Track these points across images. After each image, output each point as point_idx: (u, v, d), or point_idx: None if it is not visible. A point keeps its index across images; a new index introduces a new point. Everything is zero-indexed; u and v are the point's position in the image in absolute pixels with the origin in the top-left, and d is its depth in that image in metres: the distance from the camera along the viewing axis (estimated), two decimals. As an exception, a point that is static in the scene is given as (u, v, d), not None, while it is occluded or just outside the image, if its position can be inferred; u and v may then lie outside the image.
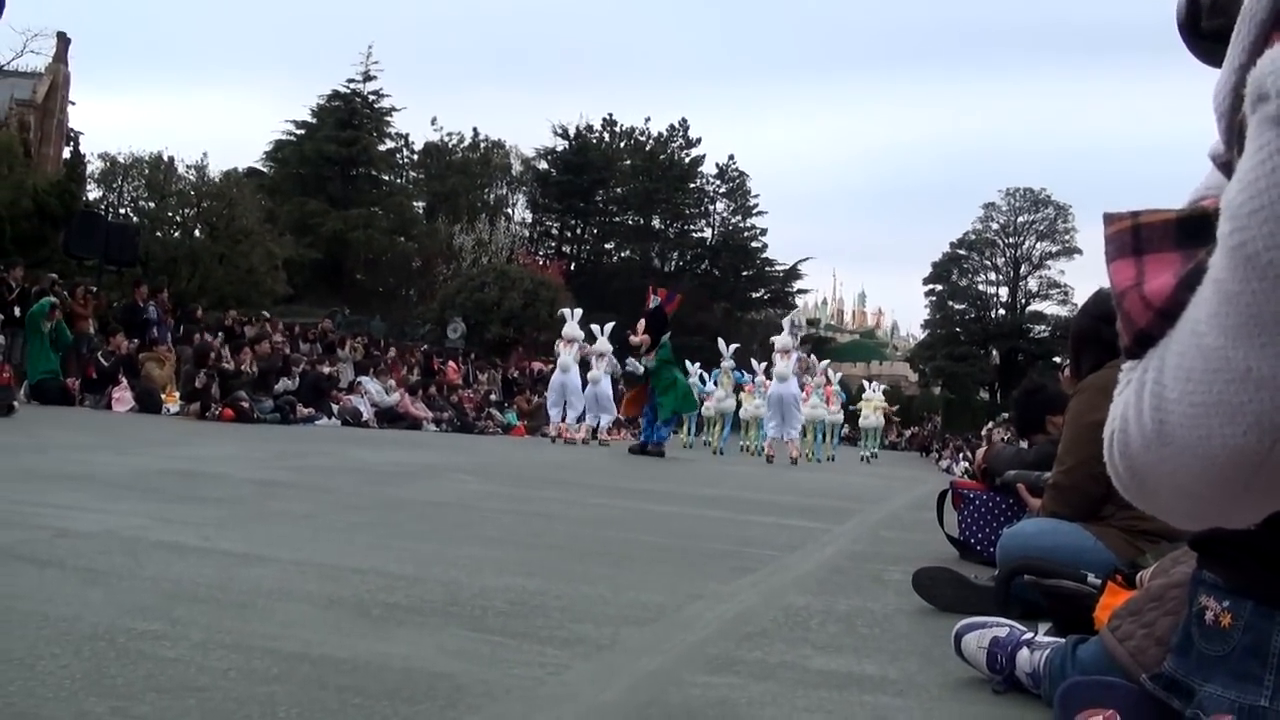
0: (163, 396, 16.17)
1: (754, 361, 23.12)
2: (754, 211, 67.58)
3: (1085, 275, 63.79)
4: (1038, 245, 66.13)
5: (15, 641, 2.11)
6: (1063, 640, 2.40)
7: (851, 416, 31.69)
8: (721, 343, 23.51)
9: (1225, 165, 0.79)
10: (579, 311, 19.47)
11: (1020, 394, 6.16)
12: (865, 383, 31.04)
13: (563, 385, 18.81)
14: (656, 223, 67.66)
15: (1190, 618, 1.78)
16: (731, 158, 67.56)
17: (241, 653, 2.17)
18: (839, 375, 27.79)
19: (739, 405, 24.09)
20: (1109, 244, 0.84)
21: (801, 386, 19.68)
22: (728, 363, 23.47)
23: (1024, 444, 5.72)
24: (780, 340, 18.48)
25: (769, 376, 19.25)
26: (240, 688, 1.94)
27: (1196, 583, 1.78)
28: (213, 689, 1.91)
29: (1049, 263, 65.98)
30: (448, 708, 1.93)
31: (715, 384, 24.13)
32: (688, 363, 25.00)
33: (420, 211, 55.14)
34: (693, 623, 3.01)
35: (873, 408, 28.46)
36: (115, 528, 3.78)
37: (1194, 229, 0.79)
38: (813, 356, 24.26)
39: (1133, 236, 0.82)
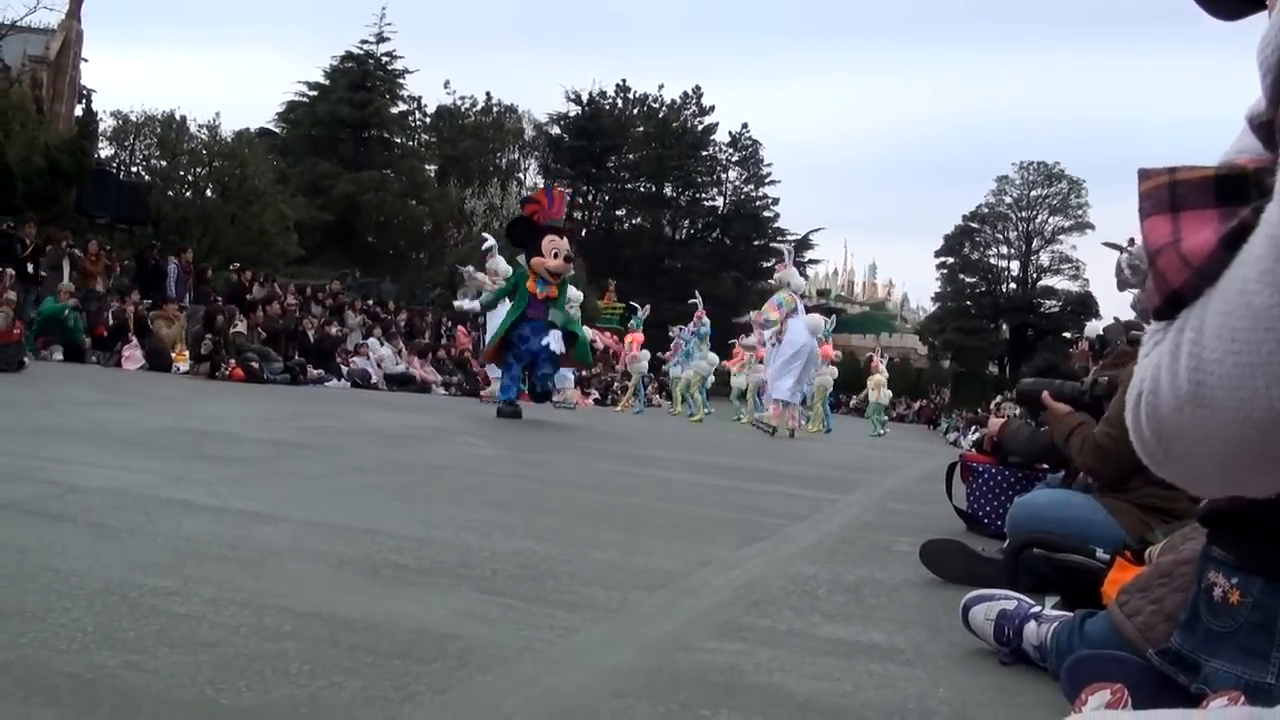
0: (173, 355, 16.21)
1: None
2: (766, 180, 67.48)
3: (1098, 251, 63.47)
4: (1050, 219, 65.89)
5: (28, 595, 2.12)
6: (1070, 614, 2.41)
7: (857, 387, 31.39)
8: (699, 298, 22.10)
9: (1264, 125, 0.77)
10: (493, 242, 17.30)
11: (1031, 374, 6.13)
12: (875, 356, 30.42)
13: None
14: (668, 190, 67.57)
15: (1198, 594, 1.78)
16: (745, 126, 67.47)
17: (253, 610, 2.18)
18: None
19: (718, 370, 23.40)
20: (1144, 200, 0.81)
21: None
22: (704, 326, 21.88)
23: (1029, 422, 5.69)
24: (797, 280, 16.40)
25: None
26: (252, 644, 1.95)
27: (1205, 559, 1.77)
28: (224, 645, 1.92)
29: (1061, 237, 65.79)
30: (458, 668, 1.94)
31: (685, 342, 22.48)
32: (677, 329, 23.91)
33: (432, 175, 54.99)
34: (701, 589, 3.02)
35: (875, 383, 27.92)
36: (127, 484, 3.80)
37: (1234, 186, 0.77)
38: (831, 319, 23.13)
39: (1169, 193, 0.80)
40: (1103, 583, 2.68)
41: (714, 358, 22.57)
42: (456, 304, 17.77)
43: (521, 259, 12.10)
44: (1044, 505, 3.90)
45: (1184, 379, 0.75)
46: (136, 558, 2.59)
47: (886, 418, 28.88)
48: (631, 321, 24.23)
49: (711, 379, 22.83)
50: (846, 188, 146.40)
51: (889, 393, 28.67)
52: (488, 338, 15.42)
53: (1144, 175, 0.82)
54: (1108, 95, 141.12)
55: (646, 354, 23.23)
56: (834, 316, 24.87)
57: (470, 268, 17.64)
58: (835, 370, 23.82)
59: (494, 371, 16.24)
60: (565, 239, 11.84)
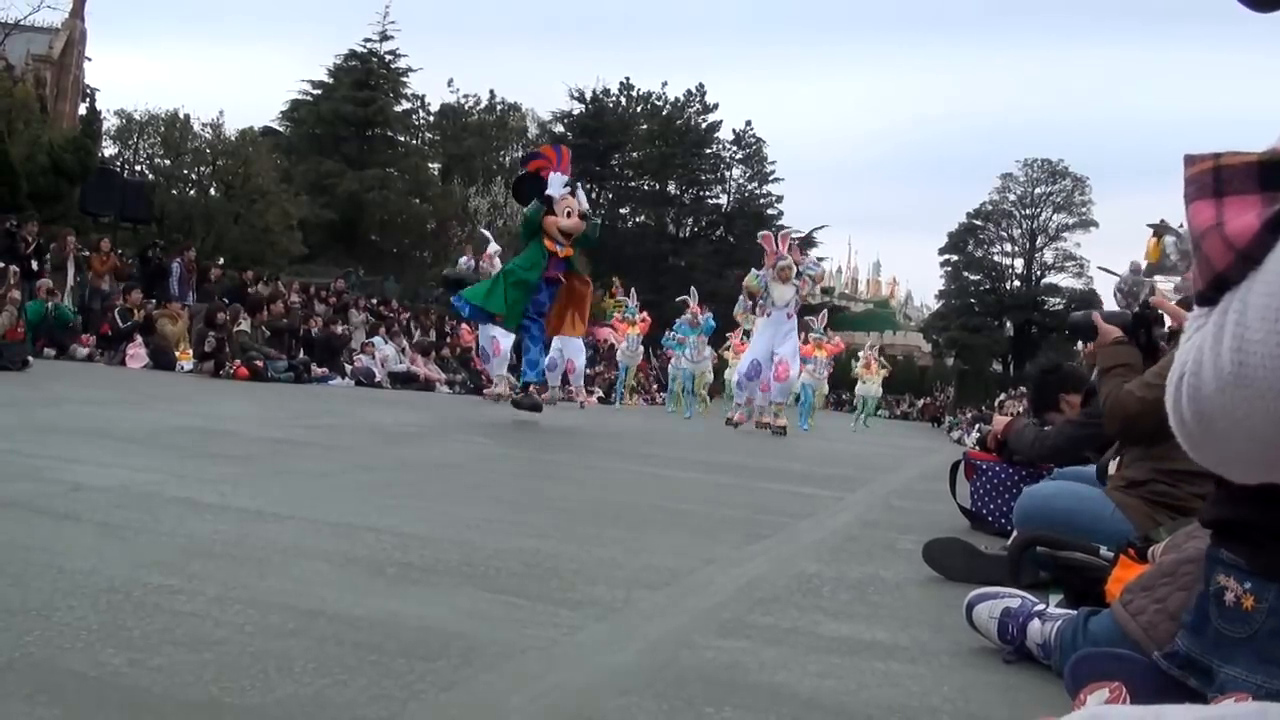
0: (176, 354, 16.23)
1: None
2: (770, 178, 67.42)
3: (1101, 248, 63.41)
4: (1054, 217, 65.80)
5: (32, 593, 2.12)
6: (1074, 612, 2.41)
7: (850, 382, 31.02)
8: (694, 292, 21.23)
9: None
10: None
11: (1036, 373, 6.13)
12: (867, 350, 29.96)
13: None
14: (672, 188, 67.57)
15: (1207, 596, 1.76)
16: (749, 124, 67.42)
17: (258, 608, 2.19)
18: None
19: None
20: (1189, 185, 0.82)
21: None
22: (706, 322, 21.12)
23: (1034, 422, 5.68)
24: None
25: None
26: (257, 642, 1.95)
27: (1213, 561, 1.74)
28: (229, 643, 1.93)
29: (1065, 235, 65.69)
30: (462, 666, 1.95)
31: (679, 340, 21.65)
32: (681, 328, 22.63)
33: (436, 173, 54.98)
34: (705, 587, 3.02)
35: (872, 371, 27.48)
36: (131, 483, 3.80)
37: (1276, 172, 0.78)
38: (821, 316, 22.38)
39: (1213, 178, 0.80)
40: (1107, 580, 2.68)
41: (709, 352, 22.29)
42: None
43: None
44: (1051, 495, 3.91)
45: (1227, 359, 0.75)
46: (141, 556, 2.60)
47: (865, 413, 28.02)
48: (622, 314, 23.66)
49: (711, 377, 22.61)
50: (850, 185, 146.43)
51: (877, 389, 28.21)
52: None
53: (1189, 161, 0.82)
54: (1112, 93, 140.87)
55: (635, 347, 22.97)
56: (825, 312, 24.62)
57: (467, 262, 17.26)
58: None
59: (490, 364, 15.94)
60: (575, 197, 11.04)
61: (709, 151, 67.32)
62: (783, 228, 19.27)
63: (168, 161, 36.00)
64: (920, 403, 57.65)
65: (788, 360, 14.95)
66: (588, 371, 20.50)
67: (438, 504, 4.23)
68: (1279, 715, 0.84)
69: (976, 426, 22.34)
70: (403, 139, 54.90)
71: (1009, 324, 65.78)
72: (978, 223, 66.93)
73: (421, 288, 41.50)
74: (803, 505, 5.71)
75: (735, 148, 67.64)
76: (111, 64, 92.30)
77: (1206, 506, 1.85)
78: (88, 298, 18.06)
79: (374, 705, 1.69)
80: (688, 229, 68.20)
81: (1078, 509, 3.66)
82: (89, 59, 40.74)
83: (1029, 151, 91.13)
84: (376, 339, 20.89)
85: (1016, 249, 66.75)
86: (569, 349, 16.80)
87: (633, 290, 24.05)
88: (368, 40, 53.15)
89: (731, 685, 2.04)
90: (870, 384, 27.62)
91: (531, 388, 10.83)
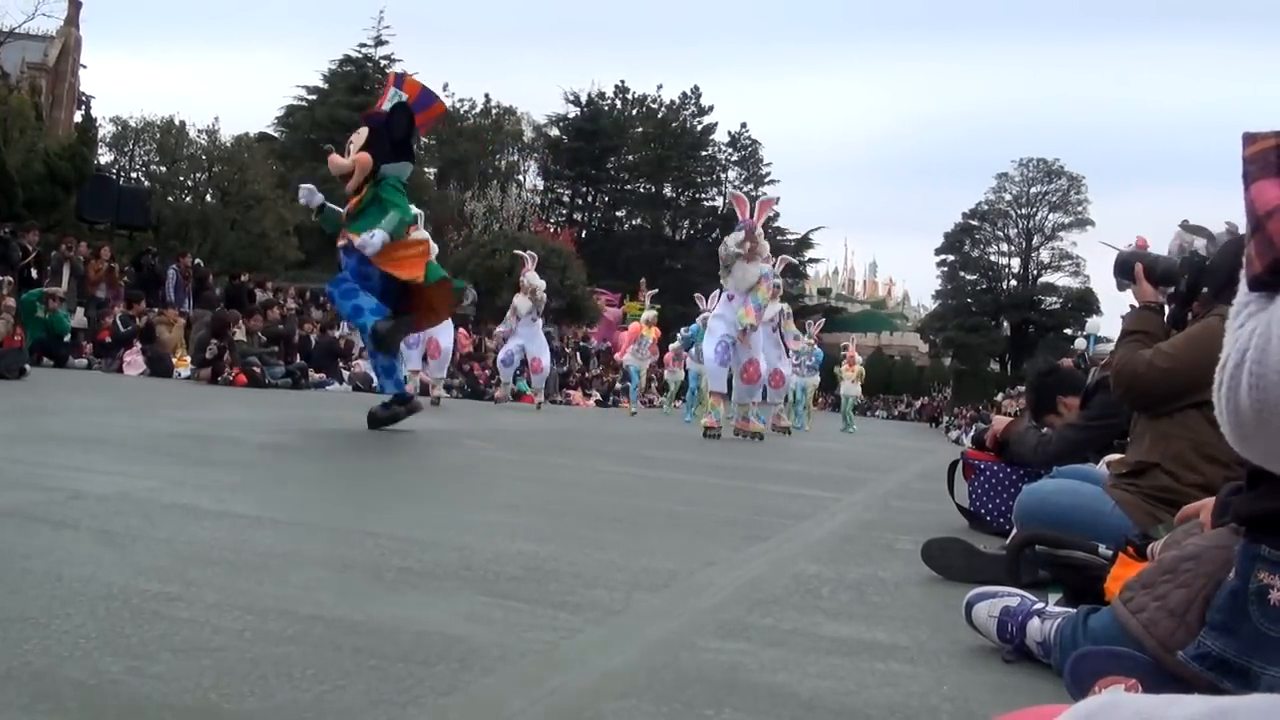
0: (173, 360, 16.21)
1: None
2: (766, 180, 67.56)
3: (1098, 246, 63.42)
4: (1050, 216, 66.01)
5: (30, 601, 2.11)
6: (1073, 610, 2.40)
7: (832, 382, 30.92)
8: (699, 299, 19.74)
9: None
10: None
11: (1033, 376, 6.13)
12: (851, 347, 29.78)
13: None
14: (668, 190, 67.75)
15: (1244, 594, 1.70)
16: (744, 125, 67.69)
17: (256, 614, 2.18)
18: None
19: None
20: (1248, 165, 0.78)
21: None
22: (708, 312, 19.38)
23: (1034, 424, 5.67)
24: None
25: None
26: (255, 648, 1.94)
27: (1252, 558, 1.69)
28: (228, 649, 1.92)
29: (1061, 234, 65.96)
30: (462, 670, 1.94)
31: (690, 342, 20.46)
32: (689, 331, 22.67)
33: (431, 178, 54.97)
34: (704, 589, 3.01)
35: (853, 376, 27.42)
36: (129, 490, 3.79)
37: None
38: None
39: (1277, 155, 0.77)
40: (1106, 579, 2.68)
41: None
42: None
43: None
44: (1051, 492, 3.92)
45: None
46: (139, 563, 2.59)
47: (847, 413, 27.75)
48: (648, 314, 23.09)
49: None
50: (846, 186, 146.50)
51: (858, 389, 28.07)
52: None
53: (1249, 139, 0.79)
54: (1107, 91, 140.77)
55: (645, 350, 22.77)
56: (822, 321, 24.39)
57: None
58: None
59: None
60: (364, 130, 8.27)
61: (704, 154, 67.54)
62: (763, 196, 16.79)
63: (163, 168, 35.91)
64: (918, 403, 57.73)
65: (758, 360, 13.00)
66: (587, 374, 20.41)
67: (436, 508, 4.23)
68: None
69: (974, 426, 22.25)
70: (398, 144, 54.87)
71: (1006, 324, 65.98)
72: (974, 223, 67.11)
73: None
74: (801, 506, 5.70)
75: (731, 150, 67.89)
76: (107, 71, 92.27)
77: (1241, 500, 1.81)
78: (86, 306, 18.05)
79: (373, 710, 1.69)
80: (684, 231, 68.34)
81: (1077, 506, 3.66)
82: (84, 66, 40.74)
83: (1024, 151, 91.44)
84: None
85: (1013, 248, 66.97)
86: (533, 346, 16.51)
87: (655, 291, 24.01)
88: (362, 45, 53.35)
89: (731, 687, 2.04)
90: (848, 382, 27.40)
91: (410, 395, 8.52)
